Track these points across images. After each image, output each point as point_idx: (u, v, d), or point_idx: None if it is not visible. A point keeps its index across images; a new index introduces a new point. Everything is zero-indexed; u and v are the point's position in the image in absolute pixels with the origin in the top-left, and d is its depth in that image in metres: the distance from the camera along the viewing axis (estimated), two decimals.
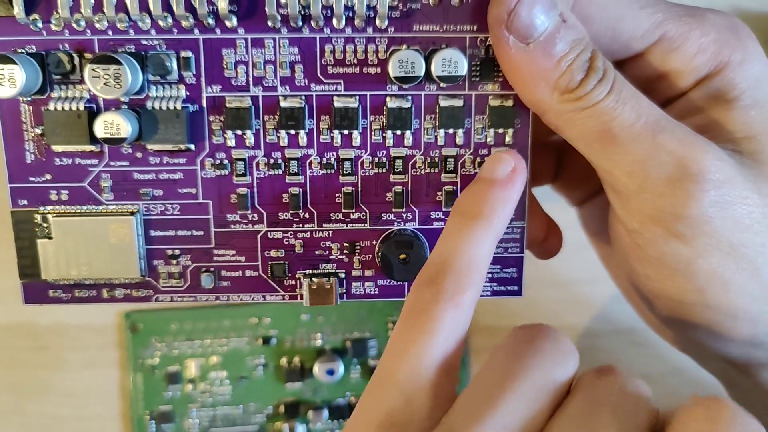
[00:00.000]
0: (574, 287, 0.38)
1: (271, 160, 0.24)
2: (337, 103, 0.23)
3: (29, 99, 0.23)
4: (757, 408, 0.27)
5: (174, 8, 0.22)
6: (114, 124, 0.22)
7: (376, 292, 0.25)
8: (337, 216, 0.24)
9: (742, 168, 0.22)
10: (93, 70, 0.21)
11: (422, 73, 0.22)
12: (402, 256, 0.24)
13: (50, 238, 0.23)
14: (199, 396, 0.38)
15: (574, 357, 0.21)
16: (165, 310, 0.37)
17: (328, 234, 0.24)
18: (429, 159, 0.24)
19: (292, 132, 0.23)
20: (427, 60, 0.22)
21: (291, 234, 0.24)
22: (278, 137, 0.23)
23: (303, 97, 0.23)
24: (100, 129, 0.22)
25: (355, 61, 0.23)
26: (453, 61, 0.22)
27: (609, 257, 0.30)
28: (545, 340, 0.20)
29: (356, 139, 0.23)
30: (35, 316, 0.38)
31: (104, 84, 0.22)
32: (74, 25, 0.22)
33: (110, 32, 0.22)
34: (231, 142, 0.23)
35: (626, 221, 0.23)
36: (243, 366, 0.38)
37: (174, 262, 0.24)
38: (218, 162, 0.24)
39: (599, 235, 0.30)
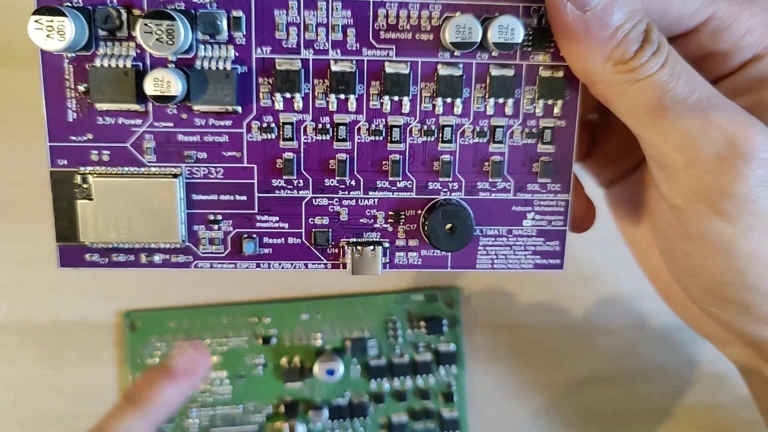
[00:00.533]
0: (587, 283, 0.39)
1: (320, 125, 0.23)
2: (389, 68, 0.23)
3: (73, 55, 0.22)
4: None
5: None
6: (165, 82, 0.21)
7: (420, 263, 0.25)
8: (383, 184, 0.24)
9: None
10: (146, 25, 0.21)
11: (479, 39, 0.22)
12: (448, 226, 0.24)
13: (90, 199, 0.23)
14: (199, 395, 0.37)
15: None
16: (164, 309, 0.37)
17: (374, 202, 0.24)
18: (478, 128, 0.24)
19: (342, 97, 0.23)
20: (482, 27, 0.22)
21: (336, 201, 0.24)
22: (327, 102, 0.23)
23: (354, 62, 0.23)
24: (150, 86, 0.21)
25: (408, 27, 0.23)
26: (510, 29, 0.22)
27: (636, 239, 0.30)
28: None
29: (406, 106, 0.23)
30: (33, 313, 0.37)
31: (156, 40, 0.21)
32: None
33: None
34: (279, 106, 0.23)
35: (670, 197, 0.23)
36: (243, 365, 0.38)
37: (215, 227, 0.24)
38: (265, 125, 0.23)
39: (627, 216, 0.30)
